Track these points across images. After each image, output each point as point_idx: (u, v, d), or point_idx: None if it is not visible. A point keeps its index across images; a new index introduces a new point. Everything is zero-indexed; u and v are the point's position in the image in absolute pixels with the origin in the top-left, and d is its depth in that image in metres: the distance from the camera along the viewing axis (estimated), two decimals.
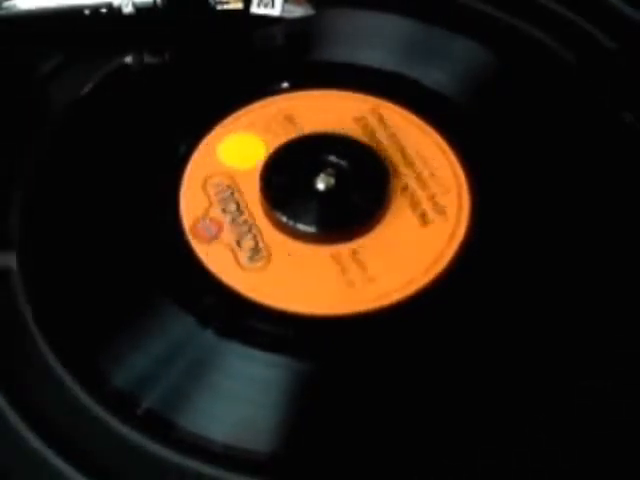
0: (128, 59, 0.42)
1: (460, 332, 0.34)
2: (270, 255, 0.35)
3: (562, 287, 0.35)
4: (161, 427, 0.32)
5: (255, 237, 0.36)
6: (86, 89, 0.41)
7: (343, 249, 0.36)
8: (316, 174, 0.36)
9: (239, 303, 0.35)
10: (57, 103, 0.41)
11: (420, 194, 0.37)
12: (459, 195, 0.37)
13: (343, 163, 0.37)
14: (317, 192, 0.36)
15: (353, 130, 0.39)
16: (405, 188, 0.37)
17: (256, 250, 0.36)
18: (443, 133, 0.38)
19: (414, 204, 0.37)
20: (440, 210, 0.37)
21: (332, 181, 0.36)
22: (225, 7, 0.42)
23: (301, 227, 0.36)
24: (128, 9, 0.42)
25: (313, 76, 0.41)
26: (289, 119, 0.39)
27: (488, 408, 0.33)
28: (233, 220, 0.36)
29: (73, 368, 0.34)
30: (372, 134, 0.38)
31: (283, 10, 0.42)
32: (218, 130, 0.39)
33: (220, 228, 0.36)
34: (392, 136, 0.39)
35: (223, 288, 0.35)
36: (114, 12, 0.42)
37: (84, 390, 0.33)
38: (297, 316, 0.34)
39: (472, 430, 0.33)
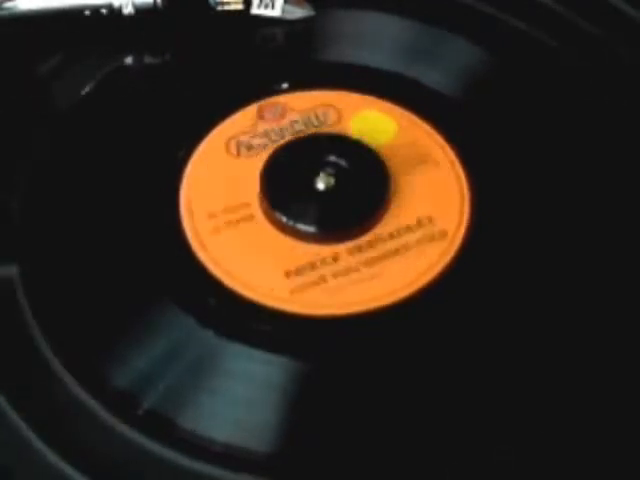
0: (128, 59, 0.42)
1: (459, 332, 0.34)
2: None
3: (563, 287, 0.35)
4: (161, 427, 0.32)
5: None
6: (86, 89, 0.41)
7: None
8: (316, 174, 0.36)
9: (239, 303, 0.35)
10: (57, 103, 0.41)
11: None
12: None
13: (343, 163, 0.37)
14: (317, 192, 0.36)
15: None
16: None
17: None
18: (443, 133, 0.38)
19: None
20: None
21: (332, 181, 0.36)
22: (225, 8, 0.42)
23: (301, 227, 0.36)
24: (128, 10, 0.42)
25: (313, 76, 0.41)
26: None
27: (487, 409, 0.33)
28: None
29: (73, 368, 0.34)
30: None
31: (283, 11, 0.42)
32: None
33: None
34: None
35: (223, 288, 0.35)
36: (114, 12, 0.42)
37: (84, 390, 0.33)
38: (297, 316, 0.34)
39: (471, 430, 0.33)
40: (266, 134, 0.39)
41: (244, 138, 0.38)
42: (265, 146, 0.38)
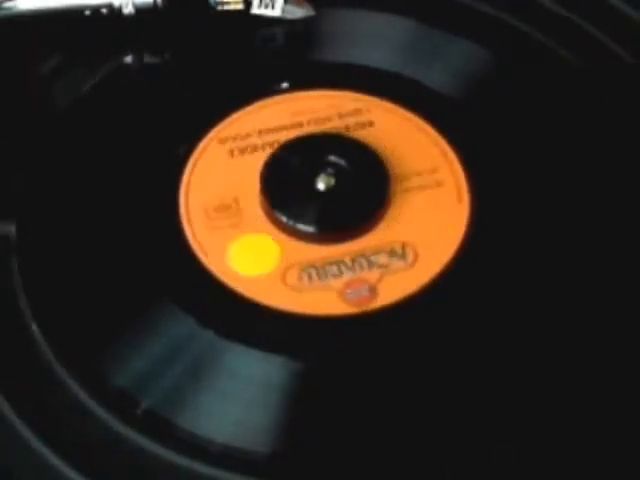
0: (128, 59, 0.42)
1: (459, 332, 0.34)
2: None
3: (563, 288, 0.35)
4: (161, 427, 0.32)
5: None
6: (86, 89, 0.41)
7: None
8: (316, 174, 0.36)
9: (239, 303, 0.35)
10: (57, 103, 0.41)
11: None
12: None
13: (343, 163, 0.37)
14: (317, 192, 0.36)
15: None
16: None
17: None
18: (443, 133, 0.38)
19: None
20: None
21: (332, 181, 0.36)
22: (225, 8, 0.42)
23: (301, 227, 0.36)
24: (128, 9, 0.42)
25: (313, 76, 0.41)
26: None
27: (486, 409, 0.33)
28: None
29: (73, 368, 0.34)
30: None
31: (283, 11, 0.42)
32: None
33: None
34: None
35: (223, 288, 0.35)
36: (114, 12, 0.42)
37: (84, 390, 0.33)
38: (297, 316, 0.34)
39: (470, 430, 0.33)
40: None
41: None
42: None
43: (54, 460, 0.32)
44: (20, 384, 0.34)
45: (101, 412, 0.33)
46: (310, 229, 0.36)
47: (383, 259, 0.35)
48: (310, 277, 0.35)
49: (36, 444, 0.32)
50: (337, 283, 0.35)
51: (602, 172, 0.38)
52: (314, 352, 0.34)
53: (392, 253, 0.36)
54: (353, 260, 0.35)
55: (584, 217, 0.37)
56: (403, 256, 0.35)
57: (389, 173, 0.37)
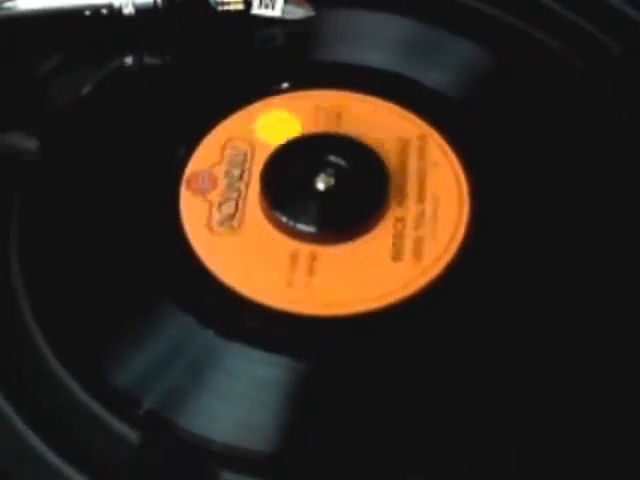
0: (128, 60, 0.42)
1: (458, 333, 0.34)
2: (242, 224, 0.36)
3: (562, 289, 0.35)
4: (161, 427, 0.32)
5: (237, 206, 0.37)
6: (86, 89, 0.41)
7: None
8: (316, 174, 0.36)
9: (239, 303, 0.35)
10: (57, 103, 0.41)
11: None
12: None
13: (343, 163, 0.37)
14: (317, 192, 0.36)
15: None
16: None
17: (230, 217, 0.36)
18: (443, 133, 0.38)
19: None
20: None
21: (332, 181, 0.36)
22: (226, 8, 0.42)
23: (301, 227, 0.36)
24: (128, 10, 0.42)
25: (313, 76, 0.41)
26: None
27: (485, 409, 0.33)
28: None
29: (73, 368, 0.34)
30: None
31: (283, 11, 0.42)
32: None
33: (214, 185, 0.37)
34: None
35: (223, 288, 0.35)
36: (114, 12, 0.42)
37: (84, 390, 0.33)
38: (297, 316, 0.34)
39: (470, 430, 0.33)
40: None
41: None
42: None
43: (54, 460, 0.32)
44: (20, 384, 0.34)
45: (101, 412, 0.33)
46: (310, 229, 0.36)
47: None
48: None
49: (36, 444, 0.32)
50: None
51: (602, 171, 0.38)
52: (314, 352, 0.34)
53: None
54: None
55: (585, 216, 0.37)
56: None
57: (389, 173, 0.37)
